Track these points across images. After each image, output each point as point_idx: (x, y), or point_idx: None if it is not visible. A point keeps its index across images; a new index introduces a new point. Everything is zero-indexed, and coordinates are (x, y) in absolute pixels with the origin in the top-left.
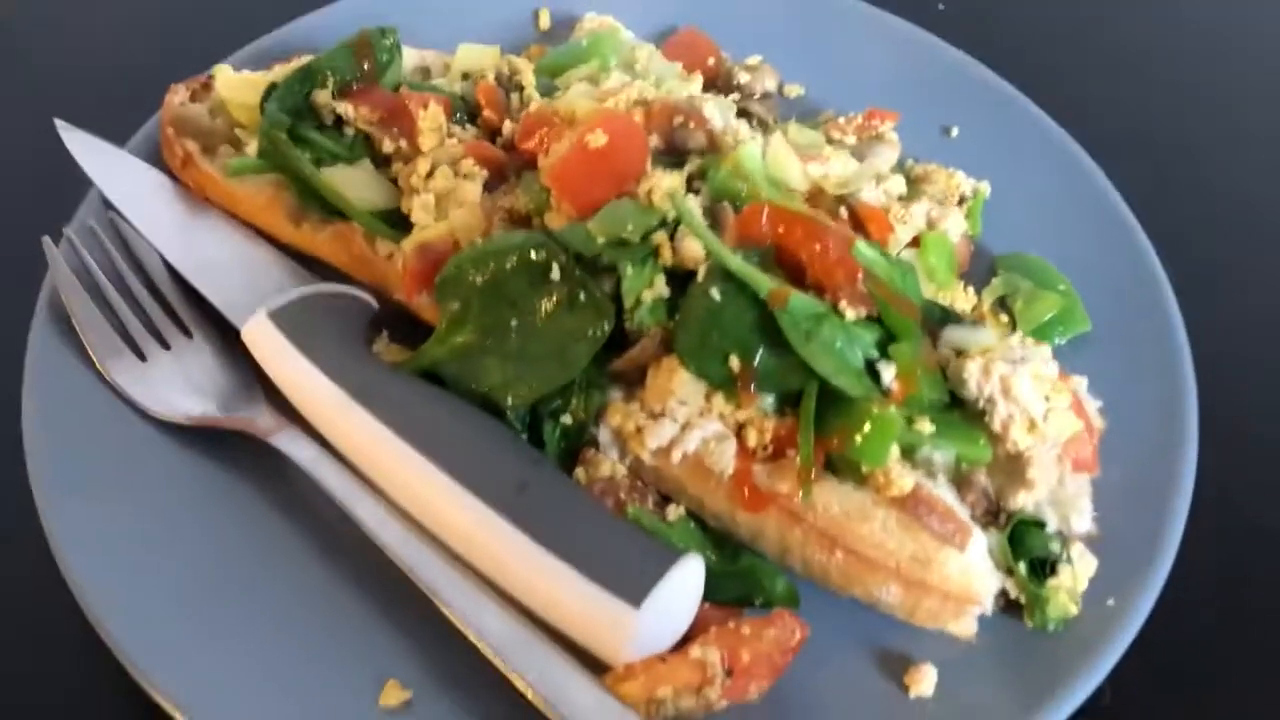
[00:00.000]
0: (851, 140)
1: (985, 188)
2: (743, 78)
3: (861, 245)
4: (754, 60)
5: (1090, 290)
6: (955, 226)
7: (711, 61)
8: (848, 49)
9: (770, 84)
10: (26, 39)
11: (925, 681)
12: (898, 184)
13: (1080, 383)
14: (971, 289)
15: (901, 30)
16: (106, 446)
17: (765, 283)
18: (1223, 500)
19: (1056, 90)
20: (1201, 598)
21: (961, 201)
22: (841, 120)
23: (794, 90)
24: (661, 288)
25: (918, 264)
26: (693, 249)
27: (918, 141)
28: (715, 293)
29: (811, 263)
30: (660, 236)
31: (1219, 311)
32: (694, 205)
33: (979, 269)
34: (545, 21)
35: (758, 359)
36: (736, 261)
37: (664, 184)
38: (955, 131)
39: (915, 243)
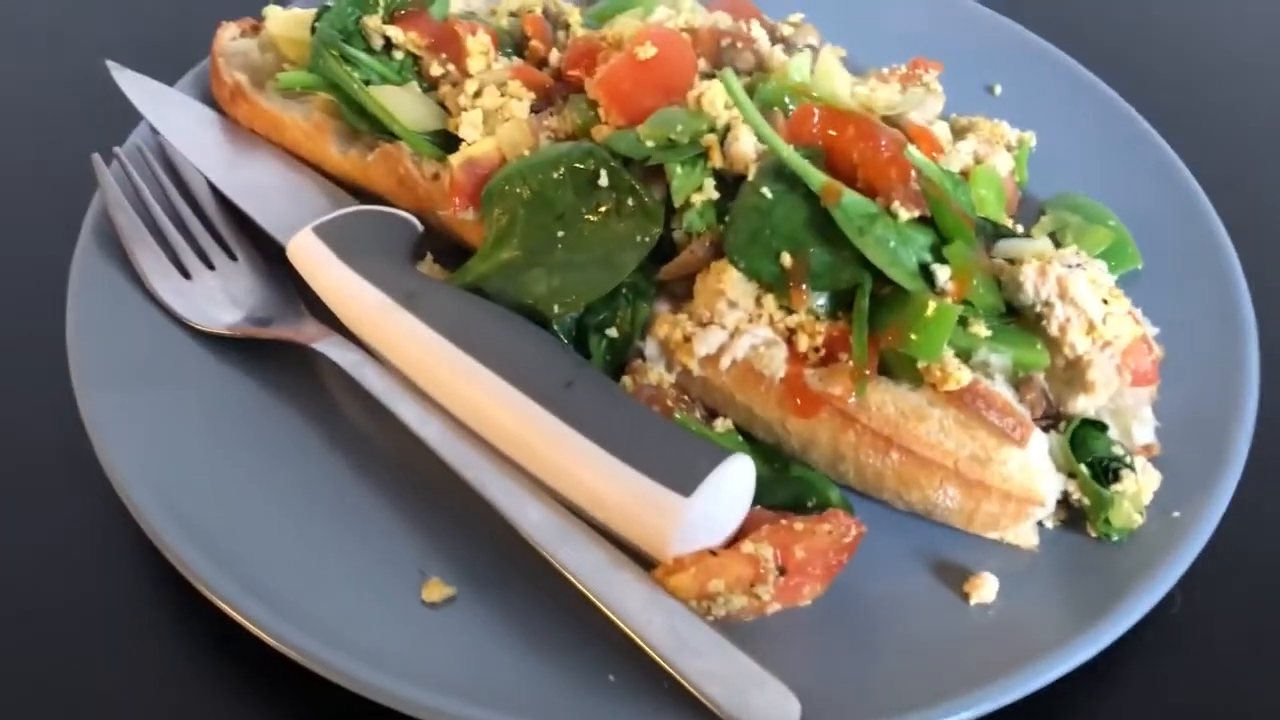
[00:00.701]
0: (896, 88)
1: (1031, 137)
2: (785, 31)
3: (913, 149)
4: (796, 17)
5: (1141, 234)
6: (1003, 164)
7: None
8: (888, 14)
9: (813, 40)
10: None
11: (986, 589)
12: (943, 130)
13: (1136, 310)
14: (1020, 227)
15: None
16: (148, 353)
17: (818, 177)
18: None
19: (1099, 58)
20: (1272, 506)
21: (1008, 150)
22: (885, 71)
23: (838, 52)
24: (711, 190)
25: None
26: (743, 151)
27: (962, 99)
28: (766, 190)
29: (863, 162)
30: (710, 139)
31: (1268, 247)
32: (743, 91)
33: (1027, 216)
34: None
35: (810, 255)
36: (789, 151)
37: (714, 89)
38: (999, 89)
39: (964, 177)
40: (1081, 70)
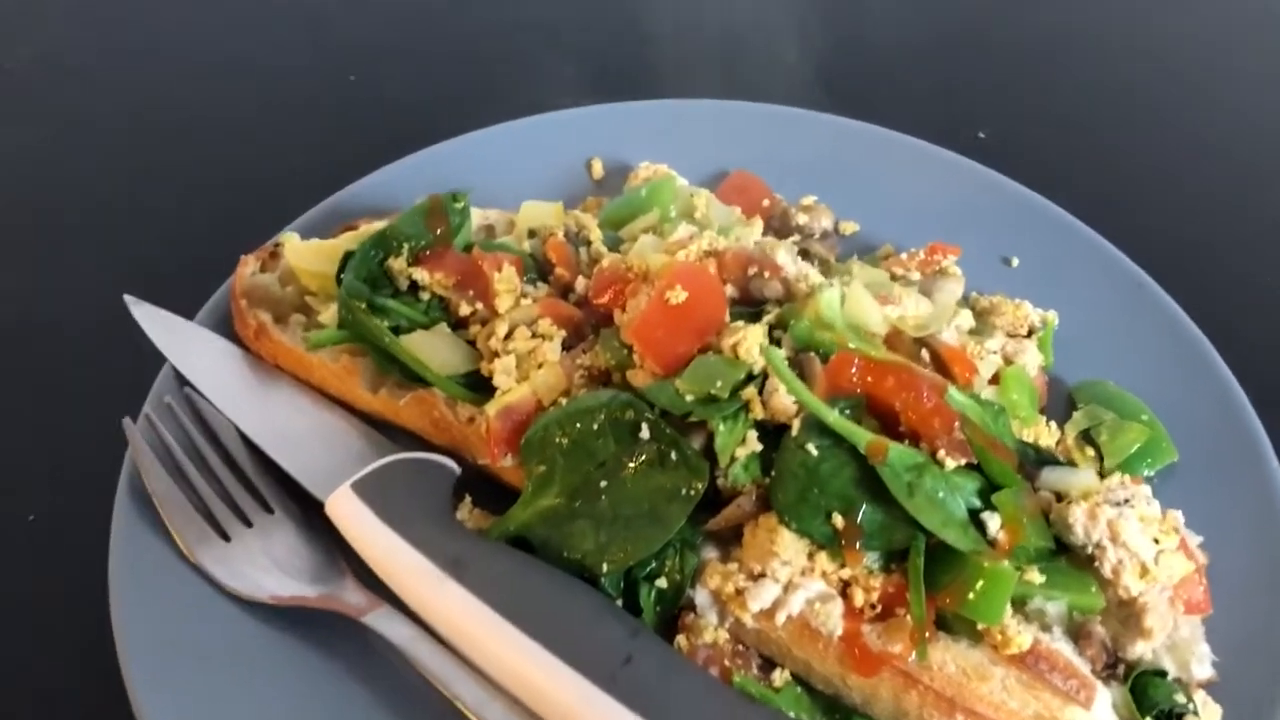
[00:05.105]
0: (916, 276)
1: (1053, 317)
2: (800, 218)
3: (954, 392)
4: (809, 200)
5: (1170, 415)
6: (1032, 360)
7: (766, 203)
8: (897, 181)
9: (827, 223)
10: (94, 213)
11: None
12: (965, 318)
13: (1178, 517)
14: (1054, 424)
15: (948, 159)
16: (194, 630)
17: (863, 436)
18: None
19: (1102, 213)
20: None
21: (1030, 333)
22: (904, 256)
23: (849, 227)
24: (754, 443)
25: (1000, 402)
26: (783, 402)
27: (980, 272)
28: (811, 447)
29: (906, 411)
30: (750, 391)
31: None
32: (782, 358)
33: (1055, 398)
34: (598, 170)
35: (861, 515)
36: (834, 416)
37: (750, 337)
38: (1016, 261)
39: (994, 379)
40: (1097, 237)
